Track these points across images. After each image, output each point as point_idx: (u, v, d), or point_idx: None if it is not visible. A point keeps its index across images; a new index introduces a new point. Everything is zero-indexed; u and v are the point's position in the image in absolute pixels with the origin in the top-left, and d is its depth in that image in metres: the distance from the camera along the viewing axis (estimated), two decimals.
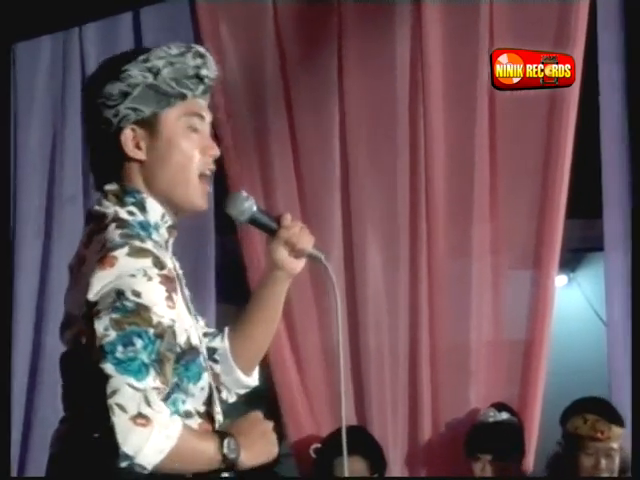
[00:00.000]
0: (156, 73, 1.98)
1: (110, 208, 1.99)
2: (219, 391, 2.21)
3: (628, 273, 3.95)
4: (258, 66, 4.12)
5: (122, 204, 2.00)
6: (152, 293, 1.87)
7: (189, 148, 2.04)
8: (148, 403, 1.83)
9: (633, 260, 3.82)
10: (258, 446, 1.99)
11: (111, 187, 2.03)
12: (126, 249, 1.89)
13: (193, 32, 4.16)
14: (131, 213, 2.00)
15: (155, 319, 1.86)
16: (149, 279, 1.87)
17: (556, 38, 3.88)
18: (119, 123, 2.00)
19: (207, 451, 1.92)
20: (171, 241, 2.09)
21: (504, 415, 3.85)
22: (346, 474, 2.28)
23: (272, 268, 2.20)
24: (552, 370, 3.98)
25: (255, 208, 2.16)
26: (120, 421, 1.81)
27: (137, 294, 1.85)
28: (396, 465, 4.00)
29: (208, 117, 2.09)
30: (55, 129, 4.22)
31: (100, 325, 1.85)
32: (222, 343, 2.21)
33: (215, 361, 2.20)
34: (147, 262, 1.88)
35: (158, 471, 1.86)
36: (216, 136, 3.84)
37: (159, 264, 1.90)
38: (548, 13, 3.95)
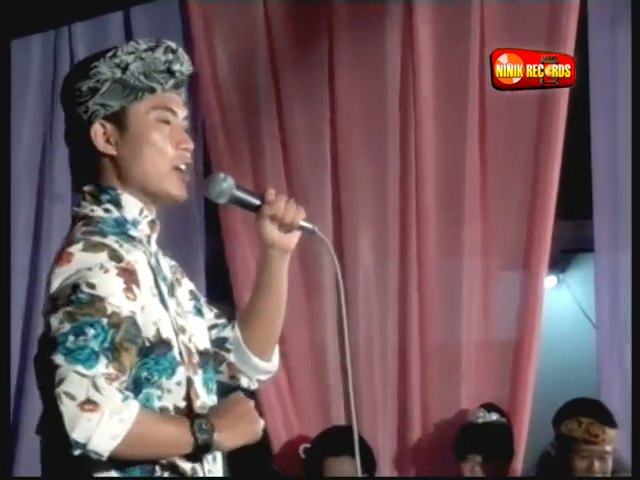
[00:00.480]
0: (124, 68, 2.00)
1: (87, 208, 2.02)
2: (237, 380, 2.21)
3: (617, 274, 3.96)
4: (249, 65, 4.12)
5: (98, 202, 2.01)
6: (108, 285, 1.88)
7: (159, 140, 2.03)
8: (97, 389, 1.82)
9: (633, 260, 3.83)
10: (239, 426, 1.98)
11: (88, 187, 2.03)
12: (81, 244, 1.91)
13: (183, 31, 4.16)
14: (107, 210, 2.01)
15: (110, 309, 1.87)
16: (105, 272, 1.88)
17: (547, 38, 3.90)
18: (89, 119, 2.01)
19: (173, 433, 1.91)
20: (154, 236, 2.08)
21: (493, 416, 3.85)
22: (359, 474, 2.25)
23: (265, 247, 2.16)
24: (541, 370, 3.99)
25: (234, 187, 2.12)
26: (67, 409, 1.81)
27: (92, 286, 1.86)
28: (385, 465, 4.00)
29: (182, 112, 2.08)
30: (45, 128, 4.21)
31: (55, 320, 1.87)
32: (232, 332, 2.20)
33: (228, 350, 2.19)
34: (103, 256, 1.90)
35: (119, 457, 1.85)
36: (204, 135, 3.98)
37: (116, 257, 1.91)
38: (539, 13, 3.96)
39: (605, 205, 3.99)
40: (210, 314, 2.21)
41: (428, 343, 4.00)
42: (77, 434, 1.80)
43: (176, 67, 2.04)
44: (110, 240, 1.93)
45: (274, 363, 2.26)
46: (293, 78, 4.10)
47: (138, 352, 1.92)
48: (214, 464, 2.03)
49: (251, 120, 4.12)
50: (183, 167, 2.06)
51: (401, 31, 4.06)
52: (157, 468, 1.93)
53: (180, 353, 1.99)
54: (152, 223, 2.07)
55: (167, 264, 2.11)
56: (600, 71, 3.95)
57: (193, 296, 2.16)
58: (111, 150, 2.01)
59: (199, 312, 2.15)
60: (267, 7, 4.12)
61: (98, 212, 2.00)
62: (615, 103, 3.96)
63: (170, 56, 2.04)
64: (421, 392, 4.00)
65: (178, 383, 1.98)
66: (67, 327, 1.85)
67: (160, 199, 2.07)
